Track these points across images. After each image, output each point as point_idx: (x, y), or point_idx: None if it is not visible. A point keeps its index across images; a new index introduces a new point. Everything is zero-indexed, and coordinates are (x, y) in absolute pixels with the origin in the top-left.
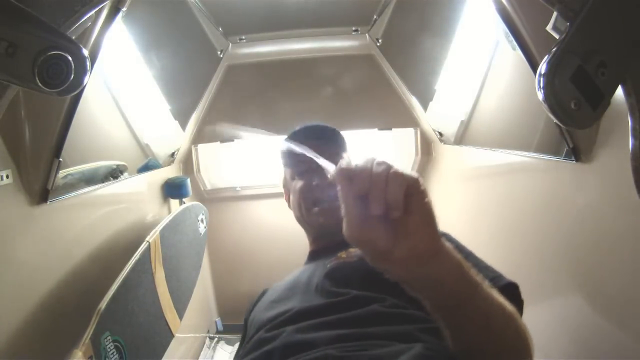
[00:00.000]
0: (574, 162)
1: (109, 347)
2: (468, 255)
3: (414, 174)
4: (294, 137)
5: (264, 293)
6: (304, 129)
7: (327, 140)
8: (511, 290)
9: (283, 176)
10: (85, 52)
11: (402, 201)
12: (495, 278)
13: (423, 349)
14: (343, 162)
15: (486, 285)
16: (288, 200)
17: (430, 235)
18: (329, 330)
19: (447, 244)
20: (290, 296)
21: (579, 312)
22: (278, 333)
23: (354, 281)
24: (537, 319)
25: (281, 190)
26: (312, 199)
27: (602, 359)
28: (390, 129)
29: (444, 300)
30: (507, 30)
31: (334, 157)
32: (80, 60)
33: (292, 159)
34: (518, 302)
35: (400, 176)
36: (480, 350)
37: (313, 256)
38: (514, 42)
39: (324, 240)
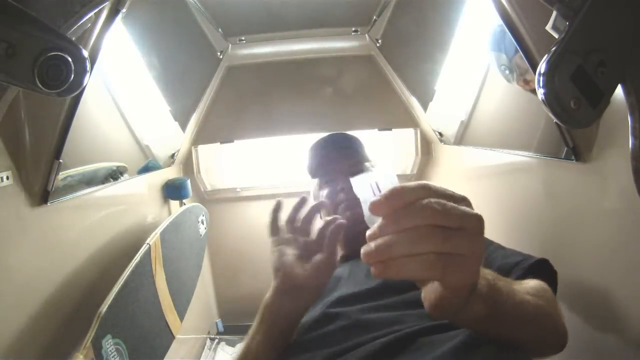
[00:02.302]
0: (574, 161)
1: (110, 350)
2: (495, 250)
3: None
4: (318, 147)
5: None
6: (327, 140)
7: (348, 149)
8: (542, 267)
9: (312, 188)
10: (85, 53)
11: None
12: (524, 260)
13: (468, 337)
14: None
15: (514, 288)
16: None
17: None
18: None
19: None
20: (337, 285)
21: (579, 312)
22: (343, 312)
23: None
24: None
25: (282, 191)
26: (337, 202)
27: None
28: (390, 129)
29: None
30: (507, 31)
31: (356, 165)
32: (80, 61)
33: (318, 170)
34: (550, 276)
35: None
36: (525, 342)
37: (346, 259)
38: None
39: (356, 243)
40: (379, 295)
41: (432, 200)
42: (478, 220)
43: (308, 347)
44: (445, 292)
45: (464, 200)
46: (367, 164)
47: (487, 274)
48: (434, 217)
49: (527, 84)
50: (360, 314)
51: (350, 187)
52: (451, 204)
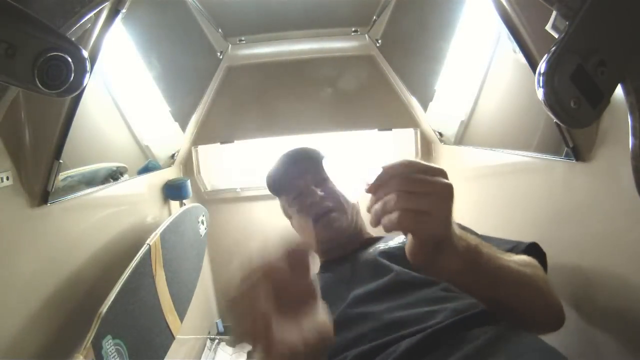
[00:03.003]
0: (574, 161)
1: (111, 351)
2: (489, 239)
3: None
4: (279, 165)
5: None
6: (286, 157)
7: (307, 162)
8: (533, 250)
9: (281, 204)
10: (85, 53)
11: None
12: (516, 246)
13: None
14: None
15: (499, 255)
16: (294, 227)
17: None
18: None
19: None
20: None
21: (579, 313)
22: (368, 311)
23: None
24: None
25: None
26: (312, 216)
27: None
28: (390, 129)
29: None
30: (507, 30)
31: (319, 175)
32: (79, 62)
33: (281, 188)
34: (541, 257)
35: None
36: (512, 309)
37: (328, 266)
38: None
39: (335, 252)
40: (397, 293)
41: (407, 174)
42: (443, 186)
43: (339, 347)
44: (415, 243)
45: (440, 173)
46: (327, 174)
47: (471, 238)
48: (404, 185)
49: None
50: (388, 313)
51: (320, 197)
52: (420, 175)
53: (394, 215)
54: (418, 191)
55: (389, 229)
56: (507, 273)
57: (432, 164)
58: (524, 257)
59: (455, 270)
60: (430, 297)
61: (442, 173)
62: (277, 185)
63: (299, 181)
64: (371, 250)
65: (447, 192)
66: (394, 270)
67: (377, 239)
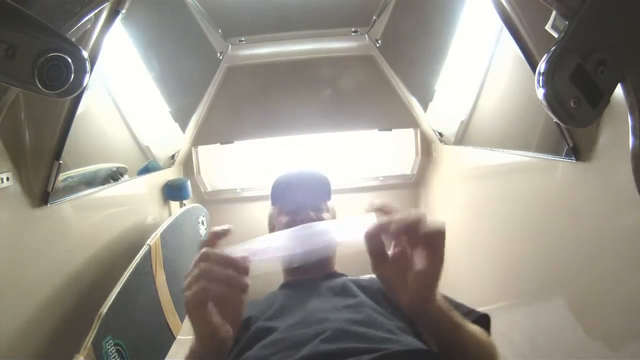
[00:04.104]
0: (574, 161)
1: (111, 351)
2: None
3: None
4: (290, 177)
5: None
6: (300, 173)
7: (316, 188)
8: (484, 321)
9: (269, 212)
10: (85, 53)
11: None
12: (471, 312)
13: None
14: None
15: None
16: None
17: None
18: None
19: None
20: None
21: (578, 312)
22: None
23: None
24: (537, 319)
25: None
26: None
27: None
28: (390, 129)
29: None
30: (507, 30)
31: (319, 204)
32: (79, 62)
33: (283, 198)
34: (488, 329)
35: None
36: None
37: (290, 285)
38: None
39: (299, 274)
40: (355, 310)
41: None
42: (441, 255)
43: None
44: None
45: (441, 236)
46: (328, 202)
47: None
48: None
49: None
50: (346, 324)
51: (309, 221)
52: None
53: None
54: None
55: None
56: (472, 339)
57: (434, 222)
58: (481, 330)
59: (437, 321)
60: (387, 327)
61: (442, 235)
62: (280, 193)
63: (302, 199)
64: (338, 279)
65: (441, 262)
66: (359, 296)
67: (343, 275)
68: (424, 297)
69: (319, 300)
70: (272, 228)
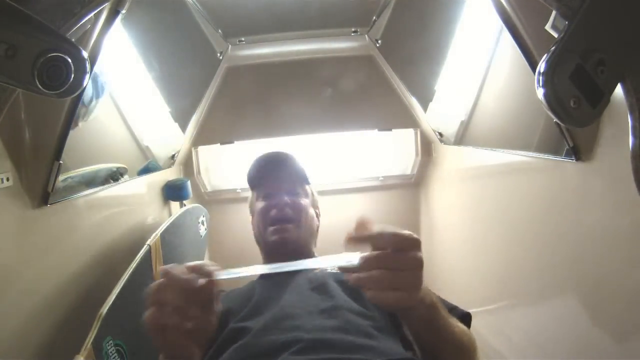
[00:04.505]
0: (574, 161)
1: (111, 352)
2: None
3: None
4: (263, 160)
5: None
6: (273, 156)
7: (291, 170)
8: (466, 318)
9: (249, 198)
10: (85, 54)
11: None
12: (453, 309)
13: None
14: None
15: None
16: (252, 223)
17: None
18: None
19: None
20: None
21: (578, 312)
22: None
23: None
24: (536, 318)
25: None
26: (270, 218)
27: (602, 358)
28: (390, 129)
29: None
30: (507, 30)
31: (295, 187)
32: (79, 62)
33: (259, 182)
34: (468, 327)
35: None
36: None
37: (268, 275)
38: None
39: (277, 259)
40: (329, 314)
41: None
42: (416, 261)
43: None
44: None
45: (414, 245)
46: (306, 186)
47: (433, 295)
48: (384, 263)
49: None
50: (318, 332)
51: (284, 205)
52: (398, 256)
53: (378, 296)
54: (396, 269)
55: (373, 301)
56: (457, 338)
57: (404, 232)
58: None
59: (424, 319)
60: (364, 331)
61: (416, 244)
62: (254, 179)
63: (274, 182)
64: (318, 270)
65: (419, 265)
66: (335, 296)
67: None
68: (412, 298)
69: (294, 295)
70: (252, 214)
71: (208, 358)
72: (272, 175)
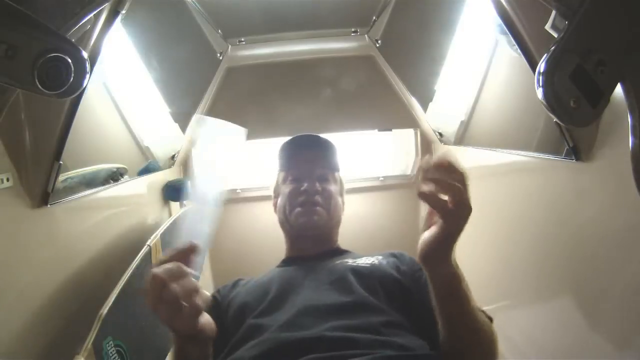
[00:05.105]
0: (574, 161)
1: (111, 352)
2: None
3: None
4: (294, 143)
5: (237, 283)
6: (305, 139)
7: (322, 154)
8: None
9: (275, 180)
10: (85, 54)
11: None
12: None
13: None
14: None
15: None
16: (275, 205)
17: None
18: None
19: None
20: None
21: (579, 312)
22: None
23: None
24: (536, 318)
25: None
26: (298, 201)
27: (602, 358)
28: (391, 129)
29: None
30: (506, 30)
31: (325, 172)
32: (79, 63)
33: (288, 163)
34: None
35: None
36: (462, 343)
37: (290, 261)
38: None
39: (302, 245)
40: (348, 313)
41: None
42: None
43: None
44: (436, 235)
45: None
46: (336, 173)
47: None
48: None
49: None
50: (337, 331)
51: (316, 190)
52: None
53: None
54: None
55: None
56: (473, 307)
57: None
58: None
59: (450, 282)
60: (376, 327)
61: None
62: (286, 160)
63: (307, 165)
64: (338, 262)
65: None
66: (354, 292)
67: (345, 252)
68: (442, 247)
69: (313, 290)
70: (277, 196)
71: (225, 354)
72: (305, 158)
